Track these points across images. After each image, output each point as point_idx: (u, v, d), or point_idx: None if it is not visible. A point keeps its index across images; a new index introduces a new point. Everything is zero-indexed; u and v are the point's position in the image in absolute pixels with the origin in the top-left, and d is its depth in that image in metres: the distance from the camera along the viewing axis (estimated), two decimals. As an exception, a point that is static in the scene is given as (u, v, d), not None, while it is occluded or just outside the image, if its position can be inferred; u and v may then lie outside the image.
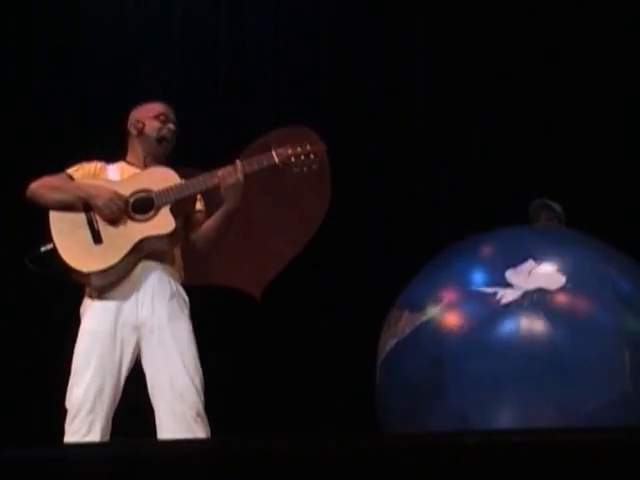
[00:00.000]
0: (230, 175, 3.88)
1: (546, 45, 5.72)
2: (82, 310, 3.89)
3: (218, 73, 5.80)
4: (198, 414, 3.76)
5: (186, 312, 3.89)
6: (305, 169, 3.89)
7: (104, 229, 3.82)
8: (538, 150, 5.64)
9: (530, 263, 4.18)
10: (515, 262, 4.17)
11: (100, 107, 5.23)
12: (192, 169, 4.72)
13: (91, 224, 3.83)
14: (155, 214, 3.85)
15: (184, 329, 3.85)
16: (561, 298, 4.08)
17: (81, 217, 3.83)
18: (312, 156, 3.91)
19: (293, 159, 3.89)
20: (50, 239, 3.79)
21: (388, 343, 4.37)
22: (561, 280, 4.11)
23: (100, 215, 3.84)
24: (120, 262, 3.78)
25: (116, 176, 3.99)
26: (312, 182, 5.02)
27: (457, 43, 5.77)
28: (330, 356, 5.45)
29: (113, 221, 3.83)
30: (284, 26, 5.81)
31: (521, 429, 3.68)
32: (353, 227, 5.57)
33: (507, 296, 4.08)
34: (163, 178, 3.93)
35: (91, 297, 3.85)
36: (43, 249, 3.78)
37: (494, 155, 5.72)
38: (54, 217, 3.84)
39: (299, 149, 3.89)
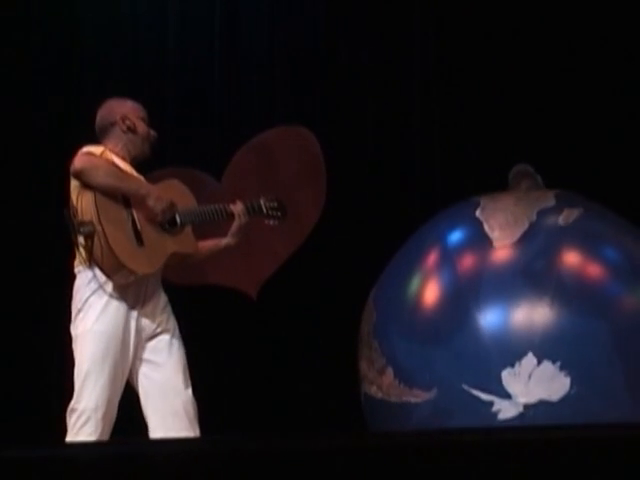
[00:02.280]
0: (245, 215, 4.05)
1: (534, 12, 5.58)
2: (84, 305, 3.80)
3: (213, 72, 5.72)
4: (196, 412, 3.86)
5: (174, 318, 3.96)
6: (272, 222, 4.18)
7: (144, 232, 3.83)
8: (523, 115, 5.53)
9: (530, 359, 3.79)
10: (512, 358, 3.78)
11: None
12: (182, 169, 4.97)
13: (133, 223, 3.82)
14: (181, 231, 3.93)
15: (177, 334, 3.93)
16: (565, 412, 3.73)
17: (123, 212, 3.81)
18: (279, 213, 4.16)
19: (271, 212, 4.15)
20: (92, 222, 3.71)
21: (371, 387, 4.21)
22: (565, 385, 3.75)
23: (148, 219, 3.84)
24: (157, 270, 3.87)
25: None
26: (307, 181, 5.10)
27: (453, 28, 5.69)
28: (326, 355, 5.37)
29: (152, 226, 3.86)
30: (280, 23, 5.74)
31: (516, 427, 3.68)
32: (348, 226, 5.52)
33: (505, 411, 3.79)
34: (181, 194, 4.00)
35: (103, 289, 3.77)
36: (85, 230, 3.71)
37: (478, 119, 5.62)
38: (100, 203, 3.74)
39: (274, 204, 4.15)
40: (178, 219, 3.90)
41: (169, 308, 3.95)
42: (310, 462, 2.41)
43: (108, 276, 3.75)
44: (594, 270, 4.05)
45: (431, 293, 4.16)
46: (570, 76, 5.48)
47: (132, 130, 4.01)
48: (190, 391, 3.88)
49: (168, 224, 3.89)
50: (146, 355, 3.87)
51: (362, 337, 4.43)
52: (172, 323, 3.93)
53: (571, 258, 4.06)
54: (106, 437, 3.76)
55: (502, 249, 4.08)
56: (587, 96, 5.44)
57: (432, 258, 4.27)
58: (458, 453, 2.41)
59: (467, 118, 5.55)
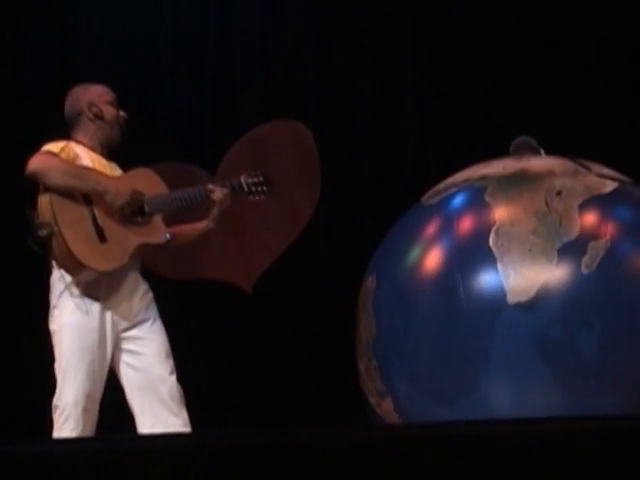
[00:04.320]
0: (226, 200, 3.96)
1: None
2: (58, 301, 3.79)
3: (207, 66, 5.65)
4: (182, 397, 3.85)
5: (155, 304, 3.95)
6: (257, 198, 4.08)
7: (107, 227, 3.78)
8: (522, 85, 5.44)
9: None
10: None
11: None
12: (176, 164, 4.99)
13: (94, 220, 3.77)
14: (149, 220, 3.87)
15: (157, 322, 3.92)
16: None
17: (83, 209, 3.77)
18: (264, 187, 4.06)
19: (254, 188, 4.05)
20: (50, 224, 3.71)
21: (370, 397, 4.05)
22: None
23: (110, 214, 3.79)
24: (123, 265, 3.82)
25: (88, 165, 3.88)
26: (302, 175, 5.01)
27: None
28: (323, 349, 5.27)
29: (117, 220, 3.81)
30: (273, 17, 5.66)
31: (512, 418, 3.48)
32: (343, 220, 5.46)
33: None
34: (151, 182, 3.94)
35: (70, 289, 3.77)
36: (43, 232, 3.70)
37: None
38: (57, 204, 3.72)
39: (258, 179, 4.05)
40: (146, 208, 3.84)
41: (149, 296, 3.91)
42: (309, 455, 2.37)
43: (72, 275, 3.74)
44: (617, 338, 3.70)
45: (434, 342, 3.87)
46: (567, 45, 5.41)
47: (99, 117, 3.95)
48: (174, 377, 3.85)
49: (139, 214, 3.83)
50: (127, 345, 3.85)
51: (360, 340, 4.19)
52: (152, 311, 3.90)
53: (593, 324, 3.70)
54: (89, 432, 3.76)
55: (516, 310, 3.71)
56: (586, 65, 5.39)
57: (439, 289, 3.91)
58: (458, 446, 2.37)
59: (462, 108, 5.47)
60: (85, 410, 3.72)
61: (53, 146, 3.82)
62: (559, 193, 3.97)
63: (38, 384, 4.78)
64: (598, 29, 5.39)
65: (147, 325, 3.85)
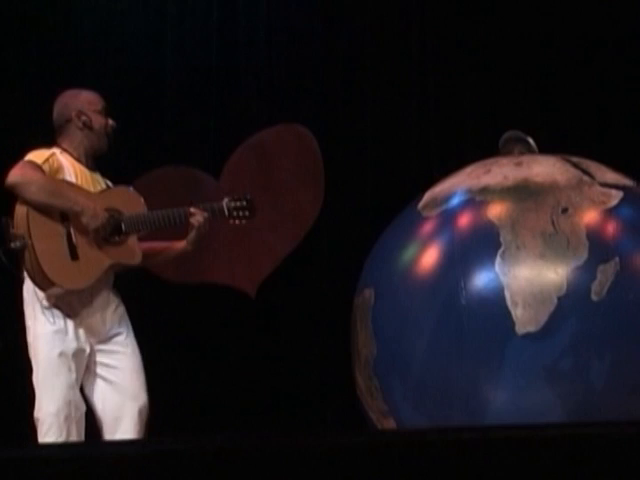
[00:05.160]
0: (205, 225, 3.92)
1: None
2: (32, 313, 3.82)
3: (211, 69, 5.62)
4: (147, 418, 3.88)
5: (127, 318, 3.96)
6: (237, 222, 4.04)
7: (80, 246, 3.78)
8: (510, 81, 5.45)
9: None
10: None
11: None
12: (181, 167, 5.14)
13: (69, 237, 3.77)
14: (124, 240, 3.85)
15: (130, 336, 3.92)
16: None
17: (59, 226, 3.77)
18: (246, 212, 4.02)
19: (235, 212, 4.01)
20: (24, 237, 3.71)
21: (370, 412, 4.00)
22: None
23: (85, 234, 3.78)
24: (91, 284, 3.82)
25: (71, 177, 3.87)
26: (305, 180, 5.09)
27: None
28: (325, 352, 5.25)
29: (91, 239, 3.79)
30: (275, 19, 5.64)
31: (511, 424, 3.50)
32: (347, 224, 5.41)
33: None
34: (130, 201, 3.92)
35: (42, 302, 3.79)
36: (15, 245, 3.70)
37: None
38: (33, 218, 3.72)
39: (240, 203, 4.01)
40: (123, 228, 3.84)
41: (121, 310, 3.92)
42: (306, 460, 2.40)
43: (41, 290, 3.75)
44: (628, 368, 3.65)
45: (440, 370, 3.80)
46: (557, 40, 5.44)
47: (88, 126, 3.92)
48: (146, 396, 3.87)
49: (116, 233, 3.82)
50: (100, 359, 3.86)
51: (359, 355, 4.08)
52: (124, 326, 3.91)
53: (604, 353, 3.64)
54: (75, 438, 3.75)
55: (525, 340, 3.64)
56: (578, 60, 5.41)
57: (442, 317, 3.83)
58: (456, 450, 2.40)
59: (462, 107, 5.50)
60: (68, 418, 3.72)
61: (37, 156, 3.80)
62: (565, 210, 3.85)
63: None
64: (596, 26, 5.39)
65: (120, 339, 3.88)
